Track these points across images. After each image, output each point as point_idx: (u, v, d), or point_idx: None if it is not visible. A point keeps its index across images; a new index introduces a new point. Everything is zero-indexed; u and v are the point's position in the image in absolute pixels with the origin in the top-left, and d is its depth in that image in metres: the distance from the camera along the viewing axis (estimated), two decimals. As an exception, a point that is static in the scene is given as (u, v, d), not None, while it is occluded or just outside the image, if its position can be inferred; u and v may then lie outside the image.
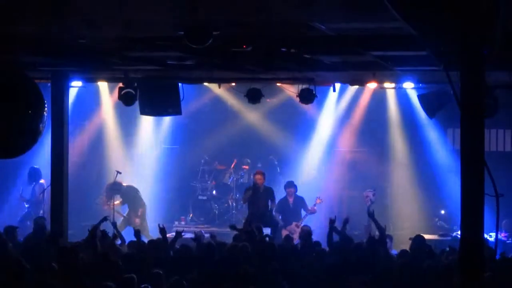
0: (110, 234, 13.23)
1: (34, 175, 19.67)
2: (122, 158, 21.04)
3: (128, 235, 13.88)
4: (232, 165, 21.39)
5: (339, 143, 20.92)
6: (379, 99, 19.79)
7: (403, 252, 12.83)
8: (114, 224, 14.18)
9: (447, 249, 13.24)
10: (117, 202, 18.97)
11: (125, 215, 19.04)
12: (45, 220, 15.87)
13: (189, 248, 12.51)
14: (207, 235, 14.69)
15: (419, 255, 12.32)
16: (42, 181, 19.44)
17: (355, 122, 20.61)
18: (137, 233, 13.06)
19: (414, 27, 8.21)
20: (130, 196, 19.27)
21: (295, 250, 13.03)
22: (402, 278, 10.72)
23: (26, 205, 19.50)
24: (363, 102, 20.09)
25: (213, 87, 19.62)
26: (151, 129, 21.40)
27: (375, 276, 10.74)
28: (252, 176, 18.25)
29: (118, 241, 13.34)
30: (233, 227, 14.11)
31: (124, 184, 19.31)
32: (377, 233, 13.72)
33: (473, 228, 9.26)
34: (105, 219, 13.78)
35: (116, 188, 18.97)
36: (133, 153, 21.40)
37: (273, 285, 10.41)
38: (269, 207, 17.27)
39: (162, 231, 13.18)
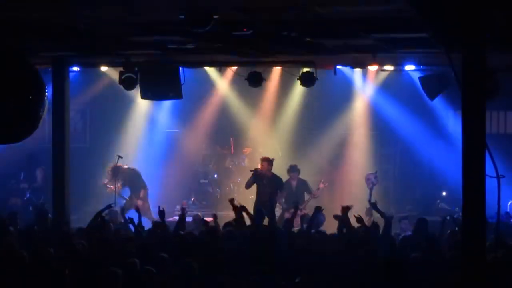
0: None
1: (34, 161, 19.69)
2: (124, 142, 21.01)
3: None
4: (232, 148, 21.43)
5: (339, 125, 20.87)
6: (379, 81, 19.76)
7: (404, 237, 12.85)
8: (122, 211, 14.17)
9: (448, 218, 13.31)
10: (118, 185, 19.02)
11: (127, 198, 19.05)
12: (44, 206, 15.92)
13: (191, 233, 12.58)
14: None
15: (421, 239, 12.33)
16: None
17: (355, 105, 20.57)
18: (161, 213, 13.07)
19: (415, 9, 8.21)
20: (131, 178, 19.29)
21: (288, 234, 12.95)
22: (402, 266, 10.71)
23: (28, 191, 19.53)
24: (364, 85, 20.05)
25: (213, 71, 19.65)
26: (152, 113, 21.33)
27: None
28: (258, 161, 17.96)
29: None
30: (232, 201, 13.95)
31: (125, 166, 19.34)
32: (377, 216, 13.74)
33: (475, 209, 9.29)
34: (109, 206, 13.80)
35: (117, 171, 18.99)
36: (135, 137, 21.37)
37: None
38: (275, 199, 17.04)
39: (161, 213, 13.13)
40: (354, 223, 12.63)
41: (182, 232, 12.59)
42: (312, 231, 12.76)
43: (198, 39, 12.38)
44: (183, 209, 13.61)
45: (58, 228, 13.78)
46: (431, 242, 11.74)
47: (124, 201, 18.77)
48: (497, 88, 13.40)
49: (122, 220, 14.36)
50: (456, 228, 12.97)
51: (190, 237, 12.13)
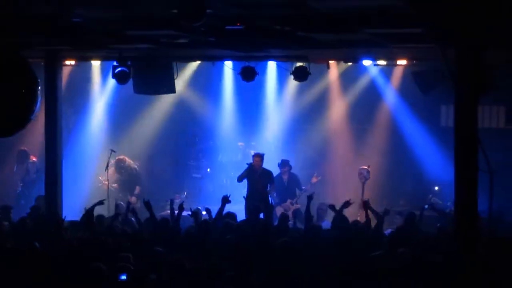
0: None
1: (24, 157, 19.62)
2: (116, 136, 20.92)
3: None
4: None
5: (334, 120, 20.84)
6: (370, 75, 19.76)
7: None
8: (127, 205, 14.15)
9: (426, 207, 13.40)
10: (115, 184, 19.04)
11: (120, 194, 19.03)
12: (40, 199, 15.94)
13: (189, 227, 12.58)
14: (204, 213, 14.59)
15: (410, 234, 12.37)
16: (33, 158, 19.42)
17: (349, 98, 20.54)
18: (149, 207, 12.99)
19: (410, 4, 8.20)
20: (131, 174, 19.33)
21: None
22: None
23: (20, 184, 19.47)
24: (356, 78, 20.02)
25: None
26: (145, 106, 21.23)
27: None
28: (252, 155, 17.98)
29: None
30: (225, 199, 13.95)
31: (129, 163, 19.38)
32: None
33: (467, 204, 9.30)
34: (101, 202, 13.75)
35: (119, 164, 19.09)
36: (127, 131, 21.26)
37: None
38: (268, 191, 17.06)
39: (147, 205, 13.00)
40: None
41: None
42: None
43: (191, 33, 12.35)
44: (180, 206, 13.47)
45: (50, 221, 13.74)
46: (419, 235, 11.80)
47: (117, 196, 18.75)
48: (493, 83, 13.38)
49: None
50: (436, 214, 13.08)
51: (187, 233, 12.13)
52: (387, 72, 19.19)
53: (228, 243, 11.20)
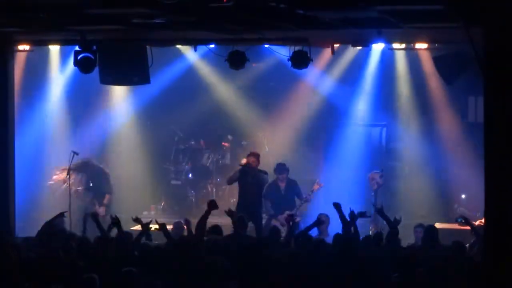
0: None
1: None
2: (80, 137, 20.94)
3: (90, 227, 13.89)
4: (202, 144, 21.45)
5: (338, 115, 20.90)
6: (384, 61, 19.79)
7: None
8: (84, 218, 14.19)
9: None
10: (79, 188, 18.99)
11: (87, 201, 19.01)
12: None
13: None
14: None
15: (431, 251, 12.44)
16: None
17: (356, 90, 20.61)
18: (117, 223, 12.94)
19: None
20: (98, 179, 19.26)
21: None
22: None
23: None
24: (366, 65, 20.07)
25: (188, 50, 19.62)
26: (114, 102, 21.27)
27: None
28: (242, 157, 17.96)
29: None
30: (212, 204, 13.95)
31: (96, 165, 19.34)
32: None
33: (500, 215, 9.31)
34: (61, 215, 13.77)
35: (83, 166, 19.00)
36: (93, 131, 21.29)
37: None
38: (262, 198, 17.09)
39: (115, 221, 12.94)
40: None
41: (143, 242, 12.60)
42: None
43: (168, 12, 12.35)
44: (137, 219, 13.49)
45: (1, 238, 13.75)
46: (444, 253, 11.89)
47: (84, 206, 18.74)
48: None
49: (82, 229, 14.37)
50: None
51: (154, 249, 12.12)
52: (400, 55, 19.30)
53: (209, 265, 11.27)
